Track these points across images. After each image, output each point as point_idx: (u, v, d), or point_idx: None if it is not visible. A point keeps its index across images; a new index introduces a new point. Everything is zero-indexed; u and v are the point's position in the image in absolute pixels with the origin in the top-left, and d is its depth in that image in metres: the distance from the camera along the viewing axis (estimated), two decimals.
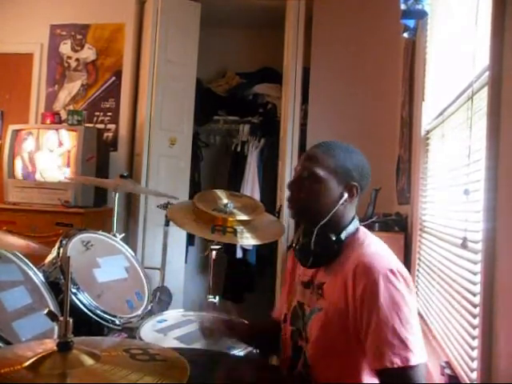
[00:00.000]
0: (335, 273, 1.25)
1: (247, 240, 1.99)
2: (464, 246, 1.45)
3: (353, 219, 1.32)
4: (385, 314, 1.12)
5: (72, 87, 3.79)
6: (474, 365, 1.33)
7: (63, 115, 3.69)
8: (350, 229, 1.30)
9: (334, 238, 1.26)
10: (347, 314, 1.19)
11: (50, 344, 0.91)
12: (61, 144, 3.36)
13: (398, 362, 1.09)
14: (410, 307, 1.15)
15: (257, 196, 3.77)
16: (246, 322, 1.73)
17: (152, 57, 3.56)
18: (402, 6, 2.03)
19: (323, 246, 1.26)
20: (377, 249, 1.26)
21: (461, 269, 1.54)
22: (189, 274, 4.06)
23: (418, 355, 1.11)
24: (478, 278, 1.34)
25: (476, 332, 1.33)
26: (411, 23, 2.22)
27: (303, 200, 1.30)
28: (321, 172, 1.27)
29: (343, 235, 1.27)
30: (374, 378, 1.18)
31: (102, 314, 1.81)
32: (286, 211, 3.22)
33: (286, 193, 1.36)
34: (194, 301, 3.77)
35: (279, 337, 1.43)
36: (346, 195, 1.28)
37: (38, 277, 1.69)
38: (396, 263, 1.22)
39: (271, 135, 3.87)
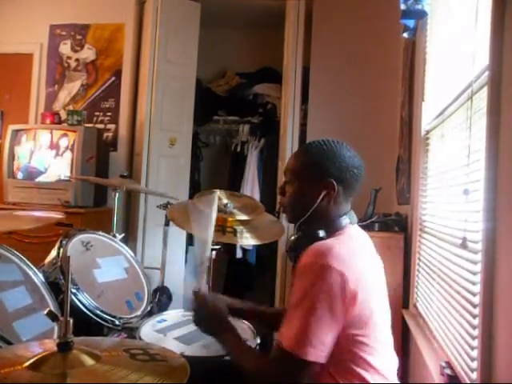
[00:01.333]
0: None
1: (247, 240, 1.99)
2: (464, 246, 1.45)
3: (342, 216, 1.33)
4: (297, 294, 1.18)
5: (72, 87, 3.79)
6: (474, 365, 1.33)
7: (63, 115, 3.69)
8: (334, 226, 1.31)
9: (313, 234, 1.29)
10: None
11: (50, 344, 0.91)
12: (61, 144, 3.36)
13: (283, 342, 1.16)
14: (324, 303, 1.15)
15: (257, 196, 3.77)
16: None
17: (152, 57, 3.56)
18: (402, 6, 2.03)
19: (304, 242, 1.28)
20: (330, 242, 1.25)
21: (460, 269, 1.54)
22: (189, 273, 4.06)
23: (303, 349, 1.13)
24: (477, 278, 1.34)
25: (476, 332, 1.33)
26: (411, 23, 2.22)
27: (287, 203, 1.38)
28: (293, 173, 1.36)
29: (322, 232, 1.29)
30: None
31: (101, 314, 1.81)
32: None
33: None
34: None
35: None
36: (323, 192, 1.30)
37: (38, 277, 1.69)
38: (335, 259, 1.17)
39: (271, 135, 3.87)
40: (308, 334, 1.13)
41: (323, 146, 1.33)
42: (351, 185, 1.33)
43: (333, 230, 1.31)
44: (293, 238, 1.36)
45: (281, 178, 3.35)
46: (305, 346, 1.13)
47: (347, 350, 1.20)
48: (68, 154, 3.33)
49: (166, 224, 2.69)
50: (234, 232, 1.93)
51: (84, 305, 1.78)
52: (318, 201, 1.29)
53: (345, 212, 1.34)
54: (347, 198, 1.35)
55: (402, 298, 2.42)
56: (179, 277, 3.71)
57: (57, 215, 1.83)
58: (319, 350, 1.14)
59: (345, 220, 1.33)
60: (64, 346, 0.87)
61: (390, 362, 1.31)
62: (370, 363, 1.21)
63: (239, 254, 3.85)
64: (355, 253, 1.26)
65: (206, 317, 1.41)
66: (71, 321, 0.88)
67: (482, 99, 1.40)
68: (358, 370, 1.20)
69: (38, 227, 1.79)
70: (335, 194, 1.30)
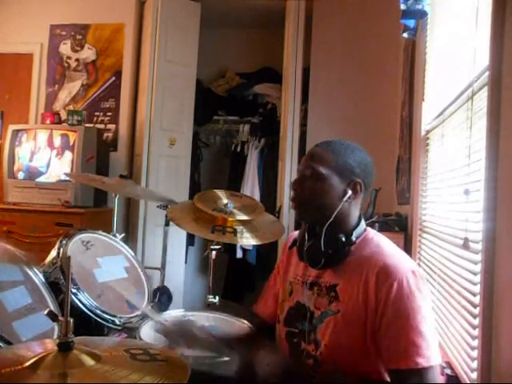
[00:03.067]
0: (350, 274, 1.23)
1: (247, 240, 1.99)
2: (466, 246, 1.45)
3: (360, 219, 1.31)
4: (410, 315, 1.13)
5: (72, 87, 3.79)
6: (474, 365, 1.33)
7: (63, 115, 3.70)
8: (360, 229, 1.29)
9: (344, 239, 1.24)
10: (366, 315, 1.18)
11: (50, 344, 0.91)
12: (61, 144, 3.36)
13: (422, 362, 1.10)
14: (429, 307, 1.17)
15: (257, 196, 3.77)
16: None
17: (152, 57, 3.56)
18: (402, 6, 2.03)
19: (334, 246, 1.24)
20: (393, 250, 1.25)
21: (461, 269, 1.54)
22: (189, 274, 4.06)
23: (437, 355, 1.13)
24: (478, 278, 1.34)
25: (476, 332, 1.33)
26: (411, 23, 2.22)
27: (307, 199, 1.28)
28: (323, 170, 1.26)
29: (354, 236, 1.25)
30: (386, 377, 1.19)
31: (101, 314, 1.80)
32: (285, 211, 3.23)
33: (291, 193, 1.34)
34: (194, 301, 3.77)
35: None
36: (349, 192, 1.26)
37: (38, 277, 1.69)
38: (413, 263, 1.24)
39: (271, 135, 3.87)
40: (430, 343, 1.13)
41: (352, 147, 1.31)
42: (368, 187, 1.32)
43: (357, 234, 1.28)
44: (310, 242, 1.28)
45: (281, 178, 3.36)
46: (433, 355, 1.12)
47: None
48: (68, 154, 3.33)
49: (166, 224, 2.68)
50: (234, 232, 1.93)
51: (84, 305, 1.78)
52: (344, 200, 1.25)
53: (359, 215, 1.32)
54: (363, 200, 1.33)
55: None
56: (179, 277, 3.71)
57: None
58: (438, 351, 1.15)
59: (363, 222, 1.31)
60: (64, 346, 0.87)
61: None
62: None
63: (239, 254, 3.85)
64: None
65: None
66: (71, 321, 0.88)
67: (482, 99, 1.40)
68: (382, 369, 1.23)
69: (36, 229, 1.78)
70: (357, 196, 1.28)
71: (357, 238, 1.26)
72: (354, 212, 1.30)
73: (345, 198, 1.26)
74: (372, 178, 1.32)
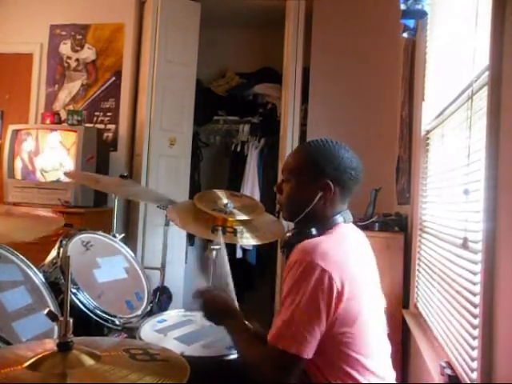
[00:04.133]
0: None
1: (247, 240, 1.99)
2: (465, 246, 1.45)
3: (336, 215, 1.33)
4: (287, 292, 1.19)
5: (72, 87, 3.79)
6: (474, 365, 1.33)
7: (63, 115, 3.70)
8: (328, 224, 1.32)
9: (306, 232, 1.30)
10: None
11: (50, 344, 0.91)
12: (61, 144, 3.36)
13: (273, 339, 1.18)
14: (311, 298, 1.16)
15: (257, 196, 3.77)
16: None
17: (152, 57, 3.56)
18: (402, 6, 2.03)
19: (297, 239, 1.30)
20: (318, 240, 1.27)
21: (461, 269, 1.54)
22: (189, 274, 4.06)
23: (294, 343, 1.15)
24: (478, 278, 1.34)
25: (476, 332, 1.33)
26: (411, 23, 2.22)
27: (283, 202, 1.39)
28: (291, 175, 1.36)
29: (314, 230, 1.31)
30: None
31: (101, 314, 1.81)
32: None
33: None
34: (194, 301, 3.76)
35: None
36: (320, 192, 1.30)
37: (38, 277, 1.69)
38: (322, 257, 1.19)
39: (271, 135, 3.87)
40: (291, 328, 1.16)
41: (321, 146, 1.34)
42: (348, 186, 1.33)
43: (325, 228, 1.32)
44: (287, 235, 1.38)
45: (280, 178, 3.35)
46: (286, 339, 1.16)
47: (337, 350, 1.21)
48: (68, 154, 3.33)
49: (166, 224, 2.69)
50: (234, 232, 1.93)
51: (84, 305, 1.78)
52: (315, 201, 1.31)
53: (339, 211, 1.35)
54: (344, 198, 1.35)
55: (403, 298, 2.42)
56: (179, 277, 3.71)
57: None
58: (301, 345, 1.15)
59: (338, 218, 1.34)
60: (64, 346, 0.87)
61: (385, 364, 1.31)
62: (363, 364, 1.22)
63: (239, 254, 3.85)
64: (344, 250, 1.27)
65: (212, 303, 1.46)
66: (71, 321, 0.88)
67: (482, 99, 1.40)
68: (351, 370, 1.21)
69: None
70: (331, 195, 1.31)
71: (320, 230, 1.31)
72: (330, 210, 1.34)
73: (316, 199, 1.30)
74: (351, 174, 1.32)
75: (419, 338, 1.99)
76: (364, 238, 1.43)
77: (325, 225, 1.32)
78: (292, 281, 1.19)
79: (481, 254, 1.30)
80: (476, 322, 1.33)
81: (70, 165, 3.31)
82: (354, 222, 1.43)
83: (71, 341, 0.88)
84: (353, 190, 1.35)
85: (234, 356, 1.52)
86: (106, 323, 1.81)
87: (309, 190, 1.32)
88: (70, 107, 3.74)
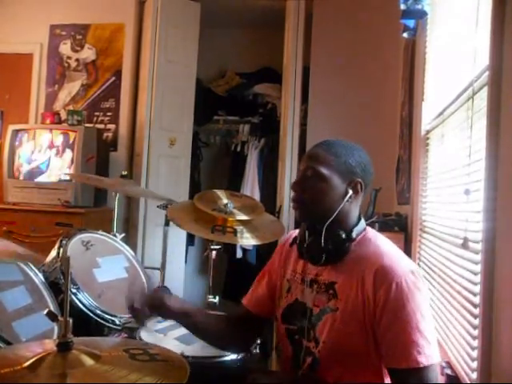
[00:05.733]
0: (348, 272, 1.24)
1: (247, 240, 1.99)
2: (465, 246, 1.44)
3: (359, 217, 1.32)
4: (410, 315, 1.14)
5: (72, 87, 3.79)
6: (474, 365, 1.33)
7: (63, 115, 3.69)
8: (360, 227, 1.29)
9: (344, 236, 1.25)
10: (364, 315, 1.19)
11: (50, 344, 0.91)
12: (61, 144, 3.36)
13: (423, 361, 1.12)
14: (428, 305, 1.19)
15: (257, 196, 3.77)
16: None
17: (152, 57, 3.56)
18: (402, 6, 2.03)
19: (334, 242, 1.25)
20: (391, 250, 1.26)
21: (461, 269, 1.54)
22: (189, 274, 4.06)
23: (437, 353, 1.15)
24: (478, 278, 1.34)
25: (476, 332, 1.33)
26: (411, 23, 2.22)
27: (308, 200, 1.29)
28: (324, 170, 1.26)
29: (354, 233, 1.26)
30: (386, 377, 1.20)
31: (102, 314, 1.80)
32: (285, 211, 3.22)
33: (291, 193, 1.35)
34: (194, 301, 3.77)
35: (223, 332, 1.43)
36: (350, 192, 1.27)
37: (38, 277, 1.68)
38: (411, 263, 1.25)
39: (271, 135, 3.87)
40: (428, 341, 1.14)
41: (353, 145, 1.32)
42: (368, 186, 1.32)
43: (357, 232, 1.28)
44: (315, 237, 1.28)
45: (281, 178, 3.35)
46: (431, 352, 1.14)
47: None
48: (68, 154, 3.33)
49: (166, 224, 2.68)
50: (234, 232, 1.93)
51: (84, 305, 1.78)
52: (345, 201, 1.26)
53: (359, 213, 1.33)
54: (363, 199, 1.34)
55: None
56: (179, 277, 3.71)
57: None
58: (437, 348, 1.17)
59: (363, 221, 1.32)
60: (64, 346, 0.87)
61: None
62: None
63: (239, 254, 3.85)
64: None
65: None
66: (71, 321, 0.88)
67: (482, 99, 1.40)
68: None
69: (36, 229, 1.78)
70: (358, 196, 1.29)
71: (357, 235, 1.27)
72: (355, 211, 1.31)
73: (346, 198, 1.27)
74: (371, 176, 1.32)
75: None
76: None
77: (356, 228, 1.28)
78: (410, 299, 1.15)
79: (481, 254, 1.30)
80: (476, 322, 1.33)
81: (70, 165, 3.31)
82: None
83: (71, 341, 0.88)
84: (366, 193, 1.34)
85: (233, 356, 1.52)
86: (106, 323, 1.81)
87: (341, 189, 1.27)
88: (70, 107, 3.73)
